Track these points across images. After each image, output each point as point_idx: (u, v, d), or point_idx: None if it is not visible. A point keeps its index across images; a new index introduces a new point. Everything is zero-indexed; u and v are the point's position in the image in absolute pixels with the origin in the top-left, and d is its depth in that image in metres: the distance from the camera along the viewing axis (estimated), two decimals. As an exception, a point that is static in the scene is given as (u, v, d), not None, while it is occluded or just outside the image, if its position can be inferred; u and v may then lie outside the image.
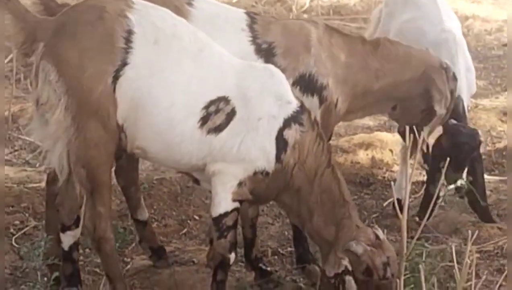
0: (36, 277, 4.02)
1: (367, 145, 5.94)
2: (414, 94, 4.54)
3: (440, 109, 4.54)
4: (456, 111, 4.78)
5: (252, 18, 4.25)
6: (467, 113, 4.97)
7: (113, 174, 4.03)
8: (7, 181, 5.13)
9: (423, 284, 3.50)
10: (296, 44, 4.23)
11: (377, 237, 3.69)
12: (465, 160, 4.76)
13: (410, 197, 4.54)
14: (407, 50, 4.57)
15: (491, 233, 4.81)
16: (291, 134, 3.76)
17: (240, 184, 3.75)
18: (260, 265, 4.33)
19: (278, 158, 3.75)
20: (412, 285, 3.91)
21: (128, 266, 4.44)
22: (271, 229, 4.98)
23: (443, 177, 4.01)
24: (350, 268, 3.63)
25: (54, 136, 3.65)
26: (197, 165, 3.77)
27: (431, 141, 4.73)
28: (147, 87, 3.63)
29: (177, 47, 3.70)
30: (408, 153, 3.85)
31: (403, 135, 4.78)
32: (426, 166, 4.86)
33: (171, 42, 3.69)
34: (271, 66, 3.91)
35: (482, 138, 4.84)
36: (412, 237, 3.93)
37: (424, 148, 4.75)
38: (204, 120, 3.68)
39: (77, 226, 3.90)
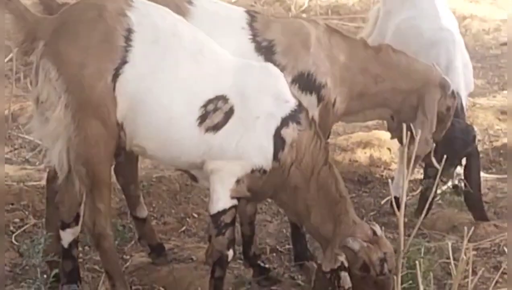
0: (36, 274, 4.02)
1: (365, 144, 5.95)
2: (408, 107, 4.49)
3: (419, 131, 4.11)
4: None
5: (252, 16, 4.25)
6: (465, 110, 4.97)
7: (112, 172, 4.04)
8: (7, 179, 5.12)
9: (420, 281, 3.52)
10: (296, 42, 4.23)
11: (374, 233, 3.69)
12: (459, 155, 4.76)
13: (407, 195, 4.56)
14: (410, 62, 4.52)
15: (488, 231, 4.83)
16: (288, 133, 3.77)
17: (238, 181, 3.76)
18: (259, 262, 4.34)
19: (275, 156, 3.76)
20: (410, 282, 3.93)
21: (127, 263, 4.45)
22: (269, 227, 4.99)
23: (439, 173, 4.02)
24: (346, 264, 3.63)
25: (54, 134, 3.66)
26: (195, 163, 3.79)
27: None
28: (146, 86, 3.64)
29: (177, 46, 3.71)
30: (405, 150, 3.85)
31: (399, 139, 4.77)
32: (422, 163, 4.87)
33: (170, 41, 3.70)
34: (269, 65, 3.92)
35: (477, 134, 4.84)
36: (409, 235, 3.94)
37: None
38: (202, 118, 3.69)
39: (77, 224, 3.91)
